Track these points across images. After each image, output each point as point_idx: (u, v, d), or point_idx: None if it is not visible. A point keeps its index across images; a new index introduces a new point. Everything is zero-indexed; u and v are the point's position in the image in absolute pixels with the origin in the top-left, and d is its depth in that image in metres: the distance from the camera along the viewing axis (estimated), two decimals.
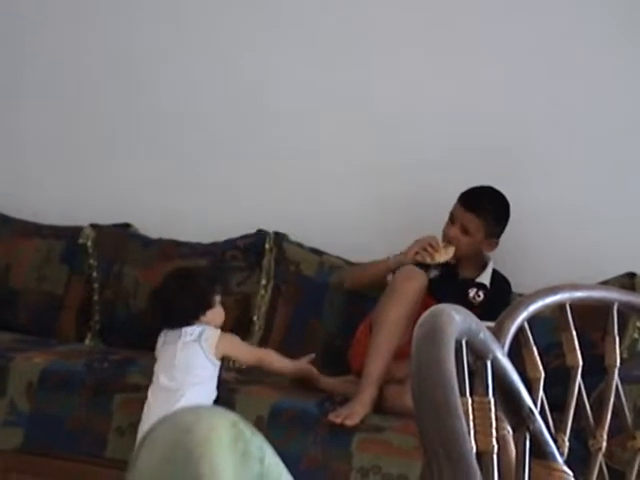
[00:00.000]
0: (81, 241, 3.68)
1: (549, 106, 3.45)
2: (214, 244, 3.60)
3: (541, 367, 1.33)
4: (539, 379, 1.32)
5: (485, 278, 3.21)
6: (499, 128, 3.49)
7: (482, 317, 1.08)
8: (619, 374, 1.45)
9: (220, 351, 2.88)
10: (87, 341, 3.61)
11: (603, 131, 3.41)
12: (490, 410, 0.97)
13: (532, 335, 1.33)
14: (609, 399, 1.43)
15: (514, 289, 3.23)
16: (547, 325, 2.52)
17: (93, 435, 3.02)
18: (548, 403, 1.32)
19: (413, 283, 2.99)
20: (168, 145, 3.82)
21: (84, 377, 3.09)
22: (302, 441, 2.82)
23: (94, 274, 3.64)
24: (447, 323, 0.91)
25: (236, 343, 2.98)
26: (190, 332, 2.87)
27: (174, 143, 3.81)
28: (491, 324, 1.22)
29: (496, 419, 0.98)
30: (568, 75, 3.44)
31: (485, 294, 3.17)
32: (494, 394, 1.00)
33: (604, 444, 1.41)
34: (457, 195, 3.20)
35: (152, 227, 3.74)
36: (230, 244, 3.58)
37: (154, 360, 2.92)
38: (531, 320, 1.31)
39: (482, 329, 1.01)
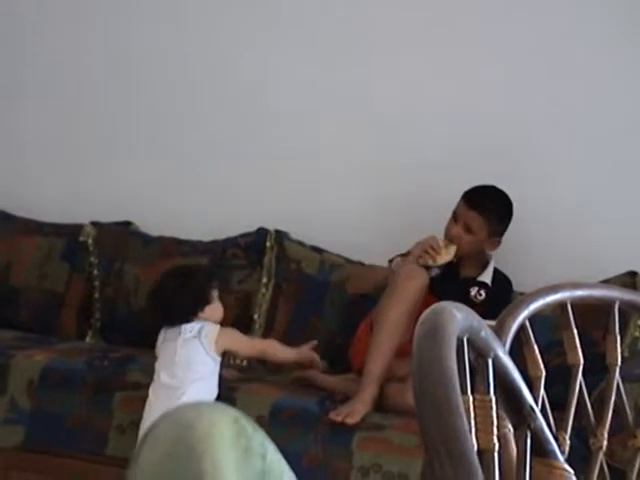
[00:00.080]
0: (82, 239, 3.68)
1: (549, 106, 3.45)
2: (215, 242, 3.60)
3: (542, 365, 1.33)
4: (540, 377, 1.32)
5: (486, 277, 3.21)
6: (499, 128, 3.49)
7: (483, 316, 1.09)
8: (620, 373, 1.45)
9: (220, 346, 2.89)
10: (88, 339, 3.61)
11: (603, 131, 3.41)
12: (491, 408, 0.97)
13: (533, 333, 1.33)
14: (610, 398, 1.43)
15: (515, 288, 3.23)
16: (548, 324, 2.52)
17: (94, 433, 3.02)
18: (549, 402, 1.32)
19: (414, 282, 2.99)
20: (169, 143, 3.82)
21: (85, 375, 3.09)
22: (303, 440, 2.83)
23: (95, 272, 3.65)
24: (448, 321, 0.91)
25: (236, 337, 2.99)
26: (189, 329, 2.87)
27: (175, 141, 3.82)
28: (492, 323, 1.22)
29: (497, 417, 0.98)
30: (568, 75, 3.44)
31: (486, 293, 3.17)
32: (495, 392, 1.00)
33: (605, 443, 1.41)
34: (457, 194, 3.20)
35: (153, 225, 3.74)
36: (231, 242, 3.58)
37: (154, 358, 2.92)
38: (532, 319, 1.31)
39: (483, 327, 1.01)
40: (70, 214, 3.79)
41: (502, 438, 1.10)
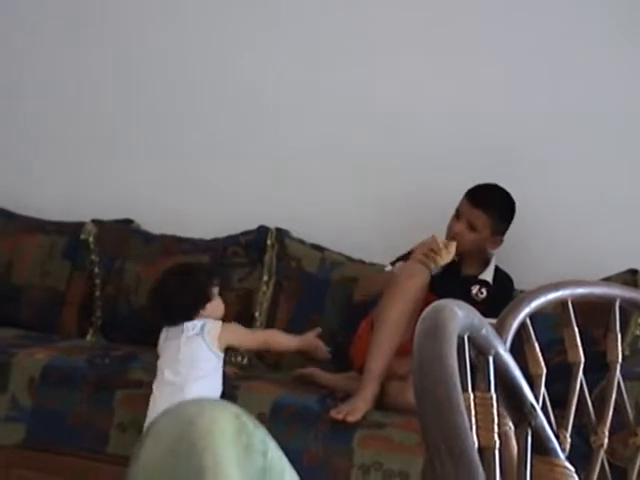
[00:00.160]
0: (83, 237, 3.69)
1: (549, 106, 3.45)
2: (216, 240, 3.60)
3: (543, 363, 1.33)
4: (541, 375, 1.32)
5: (488, 275, 3.22)
6: (499, 127, 3.49)
7: (484, 314, 1.09)
8: (621, 371, 1.45)
9: (223, 342, 2.90)
10: (89, 337, 3.61)
11: (604, 130, 3.41)
12: (492, 406, 0.97)
13: (534, 331, 1.33)
14: (611, 395, 1.43)
15: (516, 286, 3.23)
16: (549, 321, 2.52)
17: (95, 431, 3.02)
18: (550, 399, 1.32)
19: (415, 280, 2.99)
20: (170, 142, 3.82)
21: (86, 373, 3.09)
22: (303, 437, 2.83)
23: (96, 270, 3.65)
24: (449, 318, 0.91)
25: (238, 331, 3.00)
26: (192, 327, 2.87)
27: (176, 140, 3.82)
28: (493, 321, 1.22)
29: (498, 415, 0.98)
30: (568, 75, 3.44)
31: (488, 291, 3.17)
32: (496, 390, 1.00)
33: (606, 441, 1.41)
34: (458, 193, 3.20)
35: (154, 223, 3.74)
36: (232, 240, 3.58)
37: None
38: (533, 316, 1.31)
39: (484, 325, 1.01)
40: (71, 212, 3.79)
41: (503, 436, 1.10)
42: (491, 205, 3.16)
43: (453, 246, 3.11)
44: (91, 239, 3.68)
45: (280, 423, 2.83)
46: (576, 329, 1.40)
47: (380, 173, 3.58)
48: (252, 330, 3.24)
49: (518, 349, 1.28)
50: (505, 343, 1.20)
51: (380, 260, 3.44)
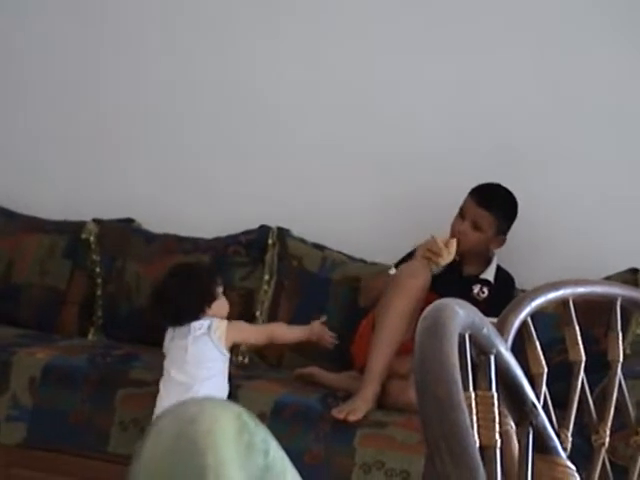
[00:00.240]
0: (84, 236, 3.69)
1: (549, 106, 3.45)
2: (217, 239, 3.60)
3: (544, 362, 1.33)
4: (542, 374, 1.32)
5: (489, 274, 3.21)
6: (499, 127, 3.49)
7: (486, 313, 1.09)
8: (622, 369, 1.45)
9: (230, 340, 2.91)
10: (90, 336, 3.61)
11: (605, 129, 3.41)
12: (493, 405, 0.97)
13: (535, 330, 1.33)
14: (612, 394, 1.43)
15: (517, 285, 3.23)
16: (550, 321, 2.53)
17: (96, 430, 3.02)
18: (551, 398, 1.32)
19: (416, 280, 2.99)
20: (171, 141, 3.82)
21: (87, 372, 3.09)
22: (305, 437, 2.83)
23: (97, 269, 3.65)
24: (450, 317, 0.91)
25: (243, 328, 3.02)
26: (198, 326, 2.88)
27: (177, 139, 3.82)
28: (494, 320, 1.22)
29: (499, 414, 0.98)
30: (568, 75, 3.44)
31: (489, 290, 3.17)
32: (497, 389, 1.00)
33: (607, 439, 1.41)
34: (459, 193, 3.20)
35: (155, 222, 3.74)
36: (233, 239, 3.58)
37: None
38: (534, 315, 1.31)
39: (485, 324, 1.01)
40: (72, 211, 3.79)
41: (504, 435, 1.10)
42: (496, 205, 3.16)
43: (453, 244, 3.09)
44: (92, 238, 3.68)
45: (281, 422, 2.83)
46: (577, 328, 1.40)
47: (381, 172, 3.59)
48: (256, 325, 3.25)
49: (519, 348, 1.28)
50: (506, 342, 1.20)
51: (381, 259, 3.44)
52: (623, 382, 1.45)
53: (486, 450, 0.94)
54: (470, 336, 0.96)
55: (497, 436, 0.95)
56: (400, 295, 2.95)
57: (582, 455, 1.36)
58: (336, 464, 2.80)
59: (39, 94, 3.95)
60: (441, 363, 0.85)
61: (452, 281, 3.12)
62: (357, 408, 2.83)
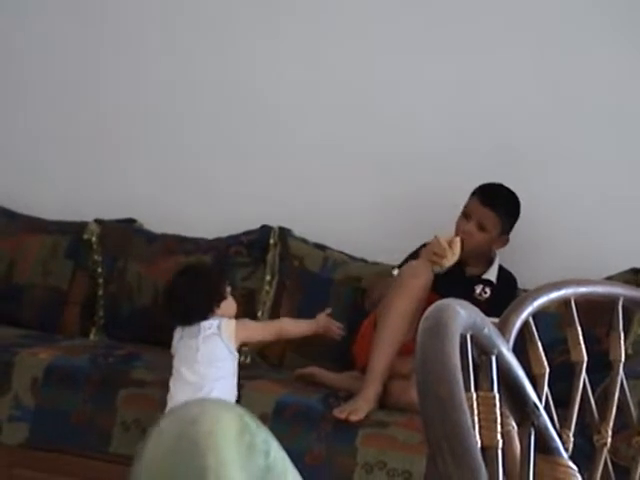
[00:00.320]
0: (86, 236, 3.69)
1: (549, 106, 3.45)
2: (218, 239, 3.60)
3: (546, 362, 1.33)
4: (544, 374, 1.32)
5: (492, 274, 3.21)
6: (500, 127, 3.49)
7: (488, 313, 1.08)
8: (624, 369, 1.44)
9: (239, 339, 2.92)
10: (91, 336, 3.61)
11: (606, 129, 3.41)
12: (495, 405, 0.97)
13: (537, 330, 1.33)
14: (614, 394, 1.43)
15: (519, 285, 3.23)
16: (552, 321, 2.52)
17: (98, 430, 3.02)
18: (553, 399, 1.32)
19: (418, 279, 2.98)
20: (172, 141, 3.82)
21: (89, 372, 3.09)
22: (306, 437, 2.83)
23: (99, 269, 3.65)
24: (452, 317, 0.91)
25: (251, 326, 3.04)
26: (208, 326, 2.88)
27: (178, 139, 3.82)
28: (496, 320, 1.22)
29: (501, 414, 0.97)
30: (568, 75, 3.44)
31: (492, 290, 3.17)
32: (499, 389, 1.00)
33: (609, 440, 1.41)
34: (460, 192, 3.20)
35: (156, 222, 3.74)
36: (234, 239, 3.58)
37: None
38: (536, 316, 1.31)
39: (487, 324, 1.01)
40: (74, 212, 3.79)
41: (505, 435, 1.10)
42: (501, 204, 3.16)
43: (457, 244, 3.08)
44: (94, 239, 3.68)
45: (283, 423, 2.83)
46: (579, 328, 1.40)
47: (381, 172, 3.58)
48: (263, 322, 3.26)
49: (521, 348, 1.28)
50: (508, 342, 1.20)
51: (382, 259, 3.44)
52: (625, 382, 1.44)
53: (488, 451, 0.94)
54: (472, 336, 0.96)
55: (499, 437, 0.95)
56: (402, 295, 2.95)
57: (584, 455, 1.36)
58: (338, 464, 2.80)
59: (39, 94, 3.95)
60: (443, 363, 0.85)
61: (454, 281, 3.12)
62: (359, 408, 2.83)
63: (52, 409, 3.07)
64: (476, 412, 0.94)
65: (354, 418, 2.81)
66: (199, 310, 2.90)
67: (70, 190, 3.90)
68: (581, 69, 3.42)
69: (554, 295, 1.36)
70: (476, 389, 0.96)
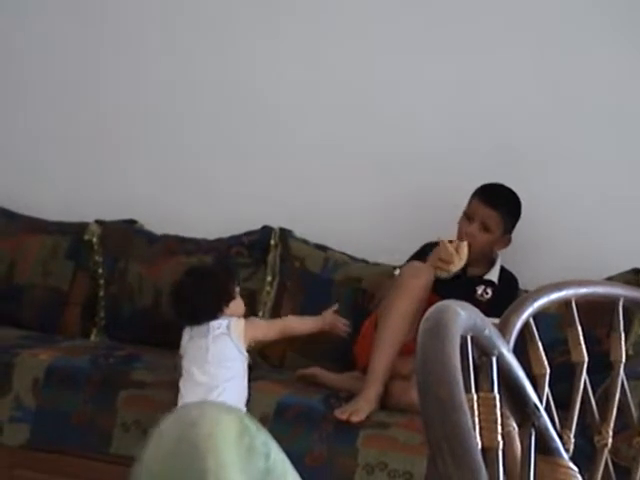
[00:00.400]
0: (86, 237, 3.69)
1: (549, 106, 3.45)
2: (219, 240, 3.60)
3: (546, 363, 1.33)
4: (544, 375, 1.32)
5: (493, 275, 3.21)
6: (500, 128, 3.49)
7: (489, 314, 1.08)
8: (624, 370, 1.44)
9: (248, 338, 2.92)
10: (92, 337, 3.61)
11: (607, 129, 3.40)
12: (495, 406, 0.97)
13: (537, 331, 1.32)
14: (614, 395, 1.42)
15: (520, 286, 3.23)
16: (552, 321, 2.52)
17: (98, 431, 3.02)
18: (553, 399, 1.31)
19: (419, 280, 2.98)
20: (173, 142, 3.82)
21: (89, 373, 3.09)
22: (307, 438, 2.83)
23: (99, 270, 3.65)
24: (452, 319, 0.91)
25: (259, 325, 3.05)
26: (217, 326, 2.89)
27: (179, 140, 3.82)
28: (496, 321, 1.22)
29: (501, 415, 0.97)
30: (568, 75, 3.44)
31: (493, 291, 3.17)
32: (499, 390, 1.00)
33: (610, 440, 1.41)
34: (461, 193, 3.20)
35: (157, 223, 3.74)
36: (235, 240, 3.58)
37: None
38: (536, 316, 1.31)
39: (487, 325, 1.01)
40: (75, 212, 3.79)
41: (506, 436, 1.10)
42: (503, 204, 3.16)
43: (464, 249, 3.05)
44: (95, 239, 3.68)
45: (284, 423, 2.83)
46: (579, 329, 1.40)
47: (381, 173, 3.58)
48: (270, 320, 3.26)
49: (521, 349, 1.28)
50: (508, 343, 1.19)
51: (383, 260, 3.44)
52: (625, 383, 1.44)
53: (488, 452, 0.94)
54: (472, 338, 0.96)
55: (499, 437, 0.95)
56: (402, 295, 2.95)
57: (584, 456, 1.36)
58: (339, 465, 2.80)
59: (39, 94, 3.95)
60: (443, 364, 0.85)
61: (456, 282, 3.12)
62: (360, 409, 2.83)
63: (53, 410, 3.07)
64: (476, 413, 0.94)
65: (355, 419, 2.80)
66: (206, 310, 2.90)
67: (70, 190, 3.90)
68: (581, 69, 3.42)
69: (555, 296, 1.35)
70: (476, 390, 0.96)
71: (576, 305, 1.39)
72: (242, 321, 2.94)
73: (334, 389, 3.03)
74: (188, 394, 2.81)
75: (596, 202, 3.40)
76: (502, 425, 0.97)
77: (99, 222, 3.72)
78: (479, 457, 0.80)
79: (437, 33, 3.55)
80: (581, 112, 3.42)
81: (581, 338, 1.39)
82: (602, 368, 1.62)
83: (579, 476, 1.18)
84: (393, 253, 3.35)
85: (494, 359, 1.01)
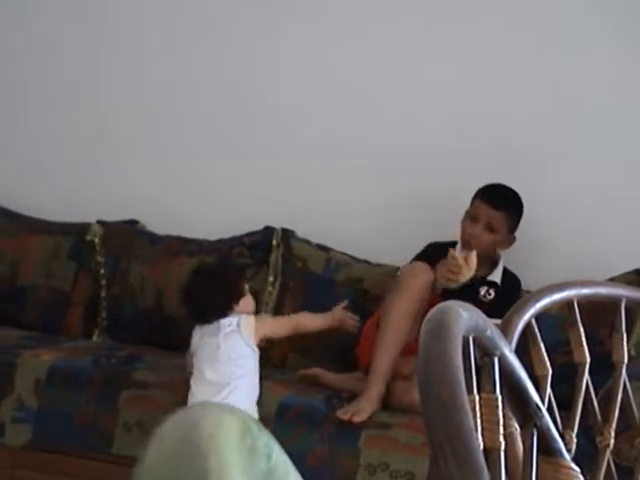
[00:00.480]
0: (89, 238, 3.69)
1: (549, 106, 3.45)
2: (221, 241, 3.60)
3: (548, 364, 1.33)
4: (546, 376, 1.31)
5: (496, 276, 3.20)
6: (500, 128, 3.49)
7: (492, 315, 1.08)
8: (627, 371, 1.44)
9: (259, 335, 2.92)
10: (94, 337, 3.61)
11: (609, 129, 3.40)
12: (497, 407, 0.97)
13: (539, 332, 1.32)
14: (617, 396, 1.42)
15: (523, 287, 3.23)
16: (554, 322, 2.52)
17: (100, 432, 3.02)
18: (555, 400, 1.31)
19: (418, 279, 2.98)
20: (175, 142, 3.82)
21: (91, 374, 3.09)
22: (309, 438, 2.83)
23: (101, 271, 3.65)
24: (454, 319, 0.91)
25: (269, 322, 3.06)
26: (228, 323, 2.89)
27: (181, 140, 3.81)
28: (498, 321, 1.22)
29: (503, 416, 0.97)
30: (568, 75, 3.44)
31: (496, 292, 3.16)
32: (501, 391, 0.99)
33: (612, 441, 1.41)
34: (463, 193, 3.20)
35: (159, 224, 3.74)
36: (237, 241, 3.58)
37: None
38: (538, 317, 1.31)
39: (489, 326, 1.01)
40: (77, 213, 3.79)
41: (508, 437, 1.10)
42: (507, 204, 3.16)
43: (474, 260, 2.98)
44: (97, 240, 3.68)
45: (286, 424, 2.83)
46: (582, 329, 1.40)
47: (381, 173, 3.58)
48: (281, 317, 3.25)
49: (523, 350, 1.28)
50: (510, 344, 1.19)
51: (385, 260, 3.44)
52: (628, 383, 1.44)
53: (490, 452, 0.94)
54: (474, 338, 0.96)
55: (501, 438, 0.95)
56: (403, 295, 2.95)
57: (587, 457, 1.36)
58: (341, 465, 2.80)
59: (39, 94, 3.95)
60: (445, 365, 0.85)
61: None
62: (362, 409, 2.83)
63: (55, 410, 3.07)
64: (478, 414, 0.94)
65: (357, 419, 2.80)
66: (216, 308, 2.90)
67: (70, 190, 3.90)
68: (581, 69, 3.42)
69: (557, 296, 1.35)
70: (478, 391, 0.96)
71: (578, 306, 1.39)
72: (252, 318, 2.94)
73: (336, 389, 3.03)
74: (199, 392, 2.81)
75: (596, 202, 3.40)
76: (504, 426, 0.97)
77: (101, 223, 3.72)
78: (481, 458, 0.80)
79: (437, 33, 3.55)
80: (581, 112, 3.42)
81: (583, 339, 1.39)
82: (604, 369, 1.62)
83: (581, 477, 1.18)
84: (393, 253, 3.35)
85: (496, 360, 1.01)
